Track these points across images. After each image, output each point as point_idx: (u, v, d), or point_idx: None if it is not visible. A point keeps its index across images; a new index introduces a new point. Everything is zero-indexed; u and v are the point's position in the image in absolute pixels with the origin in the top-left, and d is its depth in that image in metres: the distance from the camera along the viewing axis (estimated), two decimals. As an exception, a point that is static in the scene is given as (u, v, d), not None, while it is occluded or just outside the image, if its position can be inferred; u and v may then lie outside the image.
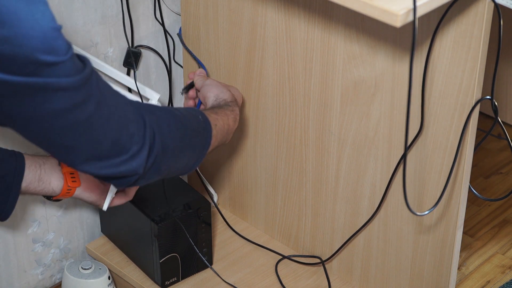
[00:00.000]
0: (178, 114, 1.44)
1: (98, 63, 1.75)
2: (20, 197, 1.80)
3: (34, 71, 1.16)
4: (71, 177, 1.57)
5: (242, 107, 1.87)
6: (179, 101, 2.04)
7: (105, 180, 1.36)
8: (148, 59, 1.94)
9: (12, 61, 1.14)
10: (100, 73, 1.79)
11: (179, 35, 1.92)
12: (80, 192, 1.59)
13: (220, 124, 1.57)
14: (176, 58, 1.99)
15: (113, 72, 1.77)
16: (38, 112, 1.21)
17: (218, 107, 1.64)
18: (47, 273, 1.94)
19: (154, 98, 1.76)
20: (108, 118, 1.28)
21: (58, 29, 1.17)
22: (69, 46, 1.20)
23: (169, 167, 1.41)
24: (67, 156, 1.30)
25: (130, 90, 1.85)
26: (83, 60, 1.25)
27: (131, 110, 1.33)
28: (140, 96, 1.75)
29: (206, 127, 1.52)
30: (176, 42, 1.96)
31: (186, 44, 1.91)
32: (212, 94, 1.69)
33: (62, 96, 1.21)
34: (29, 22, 1.14)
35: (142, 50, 1.91)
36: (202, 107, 1.76)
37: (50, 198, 1.61)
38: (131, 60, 1.88)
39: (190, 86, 1.77)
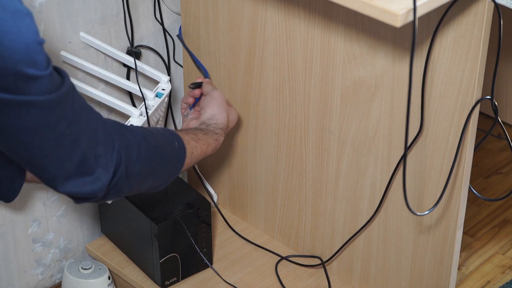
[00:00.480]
0: (151, 141, 1.43)
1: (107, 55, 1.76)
2: (20, 197, 1.81)
3: (13, 85, 1.17)
4: None
5: (242, 108, 1.87)
6: (178, 100, 2.04)
7: (67, 196, 1.37)
8: (148, 59, 1.94)
9: None
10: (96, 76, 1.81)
11: (179, 36, 1.92)
12: None
13: (197, 153, 1.57)
14: (176, 58, 1.99)
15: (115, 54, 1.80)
16: (11, 128, 1.23)
17: (205, 130, 1.64)
18: (47, 273, 1.94)
19: (163, 81, 1.79)
20: (77, 139, 1.28)
21: (41, 43, 1.18)
22: (49, 61, 1.21)
23: (132, 190, 1.41)
24: (35, 171, 1.31)
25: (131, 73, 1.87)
26: (62, 75, 1.26)
27: (102, 131, 1.33)
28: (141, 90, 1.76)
29: (179, 154, 1.51)
30: (176, 42, 1.96)
31: (186, 44, 1.91)
32: (210, 111, 1.69)
33: (36, 114, 1.22)
34: (13, 34, 1.15)
35: (142, 50, 1.91)
36: (197, 108, 1.76)
37: None
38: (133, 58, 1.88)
39: (198, 85, 1.77)
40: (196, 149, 1.56)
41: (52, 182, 1.32)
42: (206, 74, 1.88)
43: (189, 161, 1.54)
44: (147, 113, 1.74)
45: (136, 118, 1.74)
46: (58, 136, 1.26)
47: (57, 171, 1.30)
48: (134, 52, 1.88)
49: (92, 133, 1.31)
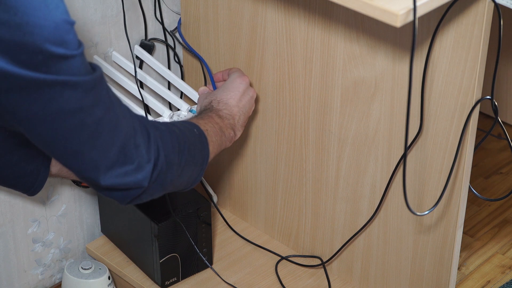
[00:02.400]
0: (176, 131, 1.42)
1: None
2: (20, 197, 1.81)
3: (43, 63, 1.15)
4: None
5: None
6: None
7: (109, 191, 1.33)
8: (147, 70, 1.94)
9: (21, 49, 1.13)
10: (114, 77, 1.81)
11: (179, 33, 1.91)
12: None
13: (210, 127, 1.55)
14: (176, 58, 1.99)
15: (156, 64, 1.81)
16: (44, 111, 1.20)
17: (205, 114, 1.62)
18: (47, 273, 1.94)
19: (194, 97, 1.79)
20: (116, 126, 1.27)
21: (71, 23, 1.17)
22: (80, 43, 1.19)
23: (173, 182, 1.40)
24: (72, 162, 1.28)
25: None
26: (93, 67, 1.24)
27: (138, 121, 1.32)
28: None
29: (202, 140, 1.50)
30: (177, 42, 1.96)
31: (192, 63, 1.91)
32: (215, 93, 1.68)
33: (70, 96, 1.19)
34: (42, 11, 1.13)
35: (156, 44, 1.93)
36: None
37: (79, 184, 1.60)
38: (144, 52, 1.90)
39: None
40: (213, 132, 1.54)
41: (93, 173, 1.28)
42: (207, 68, 1.87)
43: (210, 140, 1.52)
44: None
45: (166, 118, 1.74)
46: (96, 121, 1.23)
47: (98, 160, 1.26)
48: (147, 44, 1.88)
49: (128, 121, 1.30)
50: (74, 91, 1.19)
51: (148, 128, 1.34)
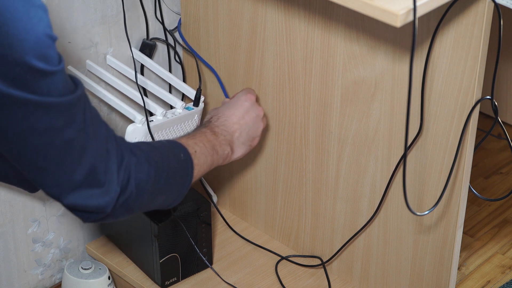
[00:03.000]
0: (157, 157, 1.37)
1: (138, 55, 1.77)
2: (21, 197, 1.80)
3: (20, 78, 1.12)
4: None
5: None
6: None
7: (71, 210, 1.30)
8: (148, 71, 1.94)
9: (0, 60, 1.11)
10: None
11: (179, 33, 1.91)
12: None
13: (200, 147, 1.51)
14: (177, 58, 1.99)
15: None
16: (13, 127, 1.17)
17: (204, 128, 1.60)
18: (47, 273, 1.94)
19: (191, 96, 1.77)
20: (86, 148, 1.23)
21: (52, 38, 1.14)
22: (61, 58, 1.16)
23: (143, 207, 1.37)
24: (36, 177, 1.25)
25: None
26: (76, 83, 1.22)
27: (113, 146, 1.28)
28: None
29: (186, 166, 1.46)
30: (176, 41, 1.96)
31: (186, 44, 1.91)
32: (218, 109, 1.66)
33: (42, 116, 1.17)
34: (23, 24, 1.11)
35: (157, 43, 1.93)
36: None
37: None
38: (146, 51, 1.89)
39: None
40: (202, 154, 1.51)
41: (56, 191, 1.26)
42: (211, 69, 1.87)
43: (197, 170, 1.48)
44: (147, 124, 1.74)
45: (159, 116, 1.73)
46: (66, 141, 1.20)
47: (63, 179, 1.24)
48: (149, 44, 1.88)
49: (101, 145, 1.26)
50: (47, 111, 1.17)
51: (123, 152, 1.30)
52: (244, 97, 1.68)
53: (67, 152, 1.22)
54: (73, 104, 1.20)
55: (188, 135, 1.56)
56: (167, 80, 1.88)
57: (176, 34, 1.94)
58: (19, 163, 1.23)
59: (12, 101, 1.14)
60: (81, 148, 1.23)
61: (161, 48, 1.95)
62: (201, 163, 1.50)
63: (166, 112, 1.75)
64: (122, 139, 1.33)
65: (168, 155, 1.42)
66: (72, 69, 1.78)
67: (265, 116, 1.72)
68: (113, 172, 1.27)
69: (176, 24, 1.95)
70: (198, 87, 1.80)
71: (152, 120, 1.72)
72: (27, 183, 1.46)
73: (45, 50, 1.13)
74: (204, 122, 1.64)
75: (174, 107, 1.79)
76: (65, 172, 1.24)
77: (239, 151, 1.64)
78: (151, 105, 1.77)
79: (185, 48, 1.92)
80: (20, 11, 1.11)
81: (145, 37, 1.90)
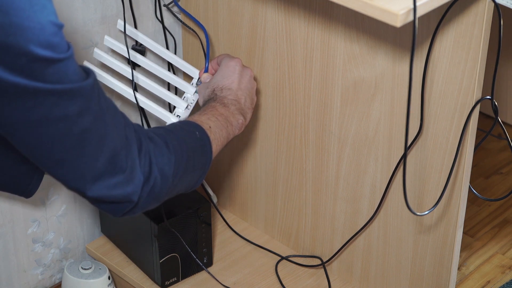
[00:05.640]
0: (174, 141, 1.36)
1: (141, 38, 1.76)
2: (20, 197, 1.80)
3: (27, 67, 1.10)
4: None
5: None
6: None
7: (98, 203, 1.27)
8: (148, 58, 1.94)
9: (4, 51, 1.09)
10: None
11: (175, 2, 1.89)
12: None
13: (219, 131, 1.51)
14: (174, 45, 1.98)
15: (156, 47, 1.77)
16: (26, 118, 1.15)
17: (209, 105, 1.57)
18: (47, 273, 1.94)
19: (196, 75, 1.74)
20: (105, 135, 1.21)
21: (58, 25, 1.12)
22: (69, 45, 1.14)
23: (169, 193, 1.35)
24: (57, 171, 1.22)
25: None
26: (87, 71, 1.20)
27: (132, 132, 1.27)
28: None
29: (204, 144, 1.45)
30: (177, 42, 1.96)
31: (185, 42, 1.91)
32: (214, 80, 1.63)
33: (55, 104, 1.14)
34: (25, 12, 1.09)
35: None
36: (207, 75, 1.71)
37: None
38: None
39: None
40: (217, 128, 1.49)
41: (79, 183, 1.22)
42: (206, 38, 1.84)
43: (215, 145, 1.47)
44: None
45: (183, 109, 1.71)
46: (84, 130, 1.18)
47: (85, 169, 1.21)
48: (139, 50, 1.88)
49: (120, 132, 1.24)
50: (60, 99, 1.14)
51: (142, 139, 1.28)
52: (233, 62, 1.65)
53: (86, 141, 1.19)
54: (86, 91, 1.17)
55: (200, 112, 1.54)
56: (168, 60, 1.82)
57: (173, 8, 1.94)
58: (37, 158, 1.20)
59: (23, 91, 1.12)
60: (100, 135, 1.20)
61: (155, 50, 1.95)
62: (218, 137, 1.49)
63: (187, 100, 1.73)
64: (139, 125, 1.32)
65: (185, 136, 1.40)
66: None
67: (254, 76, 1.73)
68: (134, 159, 1.25)
69: (175, 24, 1.94)
70: (205, 63, 1.76)
71: (179, 116, 1.70)
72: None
73: (50, 37, 1.11)
74: (209, 96, 1.62)
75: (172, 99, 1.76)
76: (86, 162, 1.21)
77: (248, 117, 1.62)
78: (171, 98, 1.74)
79: (183, 23, 1.89)
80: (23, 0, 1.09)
81: (134, 43, 1.88)
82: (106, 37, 1.76)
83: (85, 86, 1.17)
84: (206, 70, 1.73)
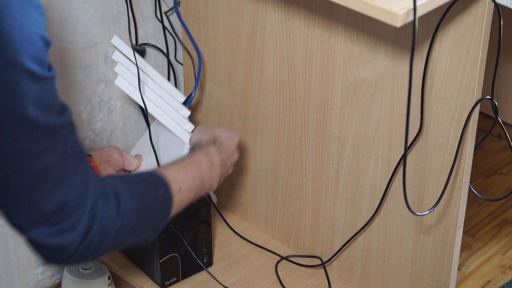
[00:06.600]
0: (131, 195, 1.27)
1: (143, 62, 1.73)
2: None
3: (11, 80, 1.05)
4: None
5: (242, 108, 1.87)
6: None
7: (33, 246, 1.20)
8: (148, 58, 1.94)
9: None
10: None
11: (176, 11, 1.89)
12: None
13: (187, 184, 1.43)
14: (177, 57, 1.99)
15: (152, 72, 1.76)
16: None
17: (189, 156, 1.53)
18: (47, 273, 1.94)
19: (180, 97, 1.72)
20: (61, 180, 1.16)
21: (46, 41, 1.09)
22: (51, 67, 1.10)
23: (111, 249, 1.27)
24: (2, 201, 1.16)
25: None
26: (64, 107, 1.15)
27: (90, 184, 1.21)
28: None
29: (164, 204, 1.37)
30: (177, 41, 1.96)
31: (184, 43, 1.91)
32: (193, 139, 1.60)
33: (21, 137, 1.10)
34: (18, 22, 1.06)
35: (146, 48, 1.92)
36: None
37: None
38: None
39: None
40: (187, 190, 1.43)
41: (22, 221, 1.16)
42: (198, 55, 1.85)
43: (177, 206, 1.40)
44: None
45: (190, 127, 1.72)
46: (42, 170, 1.13)
47: (31, 209, 1.15)
48: (138, 50, 1.88)
49: (79, 180, 1.18)
50: (28, 133, 1.10)
51: (97, 194, 1.22)
52: (235, 134, 1.64)
53: (42, 181, 1.14)
54: (58, 129, 1.13)
55: (182, 163, 1.48)
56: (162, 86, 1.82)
57: (172, 16, 1.94)
58: None
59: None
60: (57, 179, 1.15)
61: (156, 51, 1.95)
62: (183, 200, 1.43)
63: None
64: (98, 179, 1.25)
65: (145, 194, 1.32)
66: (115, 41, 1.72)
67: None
68: (83, 212, 1.20)
69: (175, 24, 1.94)
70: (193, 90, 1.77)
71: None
72: None
73: (38, 51, 1.08)
74: (208, 142, 1.58)
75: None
76: (35, 202, 1.15)
77: (220, 182, 1.59)
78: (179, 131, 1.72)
79: (182, 43, 1.92)
80: (15, 7, 1.06)
81: (134, 43, 1.88)
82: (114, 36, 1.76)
83: (57, 124, 1.13)
84: (194, 92, 1.73)
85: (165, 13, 1.91)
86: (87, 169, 1.22)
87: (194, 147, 1.58)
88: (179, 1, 1.89)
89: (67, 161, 1.17)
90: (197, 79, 1.83)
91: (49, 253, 1.21)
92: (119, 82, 1.68)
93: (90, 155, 1.62)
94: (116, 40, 1.69)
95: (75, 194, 1.18)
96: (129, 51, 1.69)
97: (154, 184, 1.37)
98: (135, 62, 1.68)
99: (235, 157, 1.65)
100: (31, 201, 1.15)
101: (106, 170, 1.63)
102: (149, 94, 1.71)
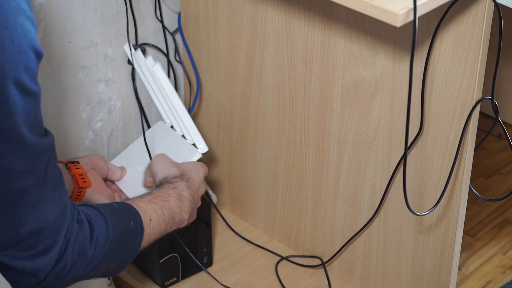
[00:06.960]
0: (102, 229, 1.27)
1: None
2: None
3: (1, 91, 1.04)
4: (81, 178, 1.54)
5: (242, 108, 1.87)
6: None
7: (2, 269, 1.17)
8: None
9: None
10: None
11: (180, 32, 1.91)
12: (90, 194, 1.57)
13: (157, 215, 1.43)
14: (177, 57, 1.99)
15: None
16: None
17: (157, 190, 1.52)
18: (47, 273, 1.94)
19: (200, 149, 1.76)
20: (39, 204, 1.14)
21: (38, 53, 1.07)
22: (37, 82, 1.08)
23: (79, 279, 1.27)
24: None
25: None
26: (47, 131, 1.15)
27: (66, 211, 1.20)
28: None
29: (135, 235, 1.37)
30: (177, 41, 1.96)
31: (187, 44, 1.91)
32: (156, 173, 1.60)
33: (3, 153, 1.07)
34: (9, 32, 1.04)
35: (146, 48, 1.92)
36: None
37: (81, 187, 1.57)
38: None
39: None
40: (157, 222, 1.43)
41: None
42: (197, 79, 1.87)
43: (147, 238, 1.40)
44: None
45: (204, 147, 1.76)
46: (21, 191, 1.11)
47: (6, 231, 1.13)
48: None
49: (56, 206, 1.17)
50: (13, 149, 1.08)
51: (72, 221, 1.21)
52: (202, 166, 1.64)
53: (19, 202, 1.12)
54: (40, 150, 1.12)
55: (151, 196, 1.48)
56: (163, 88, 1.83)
57: (176, 36, 1.94)
58: None
59: None
60: (35, 202, 1.14)
61: (156, 50, 1.95)
62: (153, 232, 1.43)
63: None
64: (74, 205, 1.24)
65: (117, 224, 1.32)
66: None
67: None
68: (57, 238, 1.19)
69: (175, 24, 1.94)
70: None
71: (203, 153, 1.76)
72: None
73: (29, 63, 1.06)
74: (175, 176, 1.58)
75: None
76: (10, 224, 1.13)
77: (191, 218, 1.58)
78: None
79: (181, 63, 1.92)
80: (8, 17, 1.04)
81: (134, 43, 1.88)
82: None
83: (39, 145, 1.12)
84: (191, 111, 1.77)
85: (171, 33, 1.92)
86: (64, 196, 1.21)
87: (162, 183, 1.57)
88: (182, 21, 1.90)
89: (47, 185, 1.16)
90: (194, 102, 1.85)
91: (20, 277, 1.18)
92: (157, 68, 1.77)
93: (78, 162, 1.62)
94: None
95: (52, 219, 1.17)
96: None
97: (126, 214, 1.37)
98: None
99: (202, 190, 1.63)
100: (5, 223, 1.13)
101: (94, 176, 1.64)
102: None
